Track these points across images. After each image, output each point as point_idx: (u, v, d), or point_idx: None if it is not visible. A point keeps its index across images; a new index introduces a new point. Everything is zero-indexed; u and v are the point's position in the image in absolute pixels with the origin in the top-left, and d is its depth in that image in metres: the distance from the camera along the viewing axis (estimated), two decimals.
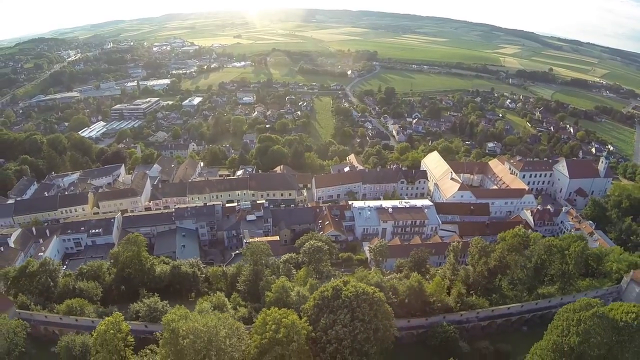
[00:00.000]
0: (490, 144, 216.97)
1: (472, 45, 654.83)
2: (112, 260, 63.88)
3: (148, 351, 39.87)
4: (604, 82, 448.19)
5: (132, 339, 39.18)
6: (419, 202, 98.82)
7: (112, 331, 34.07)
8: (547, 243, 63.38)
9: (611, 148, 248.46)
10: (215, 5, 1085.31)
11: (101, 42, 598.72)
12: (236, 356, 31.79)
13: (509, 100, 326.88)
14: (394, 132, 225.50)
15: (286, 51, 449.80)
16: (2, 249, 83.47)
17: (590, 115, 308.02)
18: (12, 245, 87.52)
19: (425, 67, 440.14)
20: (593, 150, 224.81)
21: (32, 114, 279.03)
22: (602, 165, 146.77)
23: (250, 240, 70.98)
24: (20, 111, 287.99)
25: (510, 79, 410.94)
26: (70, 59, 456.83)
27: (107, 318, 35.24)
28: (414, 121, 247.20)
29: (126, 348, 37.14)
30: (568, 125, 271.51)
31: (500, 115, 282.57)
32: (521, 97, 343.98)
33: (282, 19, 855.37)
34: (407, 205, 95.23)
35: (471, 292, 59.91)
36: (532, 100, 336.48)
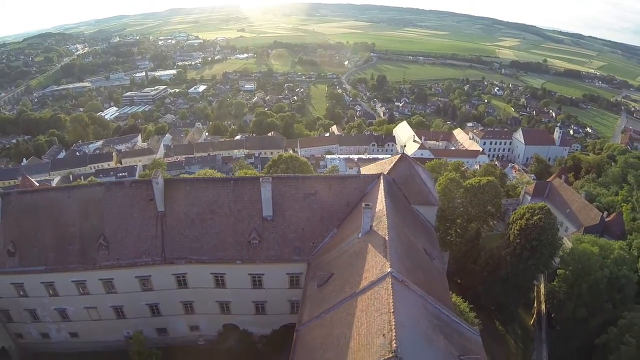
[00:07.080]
0: (470, 124, 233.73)
1: (472, 38, 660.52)
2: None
3: None
4: (597, 73, 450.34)
5: None
6: (381, 156, 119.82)
7: None
8: (460, 165, 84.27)
9: (589, 130, 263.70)
10: (219, 0, 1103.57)
11: (107, 36, 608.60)
12: None
13: (497, 88, 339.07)
14: (380, 113, 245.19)
15: (287, 44, 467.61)
16: None
17: (576, 102, 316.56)
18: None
19: (420, 58, 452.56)
20: (571, 132, 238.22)
21: (48, 102, 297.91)
22: (557, 134, 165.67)
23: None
24: (36, 100, 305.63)
25: (503, 69, 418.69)
26: (78, 52, 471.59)
27: None
28: (401, 105, 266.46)
29: None
30: (551, 110, 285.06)
31: (486, 100, 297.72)
32: (510, 85, 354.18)
33: (286, 13, 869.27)
34: (371, 157, 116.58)
35: None
36: (520, 88, 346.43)
